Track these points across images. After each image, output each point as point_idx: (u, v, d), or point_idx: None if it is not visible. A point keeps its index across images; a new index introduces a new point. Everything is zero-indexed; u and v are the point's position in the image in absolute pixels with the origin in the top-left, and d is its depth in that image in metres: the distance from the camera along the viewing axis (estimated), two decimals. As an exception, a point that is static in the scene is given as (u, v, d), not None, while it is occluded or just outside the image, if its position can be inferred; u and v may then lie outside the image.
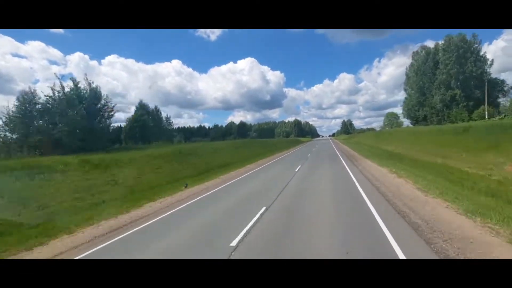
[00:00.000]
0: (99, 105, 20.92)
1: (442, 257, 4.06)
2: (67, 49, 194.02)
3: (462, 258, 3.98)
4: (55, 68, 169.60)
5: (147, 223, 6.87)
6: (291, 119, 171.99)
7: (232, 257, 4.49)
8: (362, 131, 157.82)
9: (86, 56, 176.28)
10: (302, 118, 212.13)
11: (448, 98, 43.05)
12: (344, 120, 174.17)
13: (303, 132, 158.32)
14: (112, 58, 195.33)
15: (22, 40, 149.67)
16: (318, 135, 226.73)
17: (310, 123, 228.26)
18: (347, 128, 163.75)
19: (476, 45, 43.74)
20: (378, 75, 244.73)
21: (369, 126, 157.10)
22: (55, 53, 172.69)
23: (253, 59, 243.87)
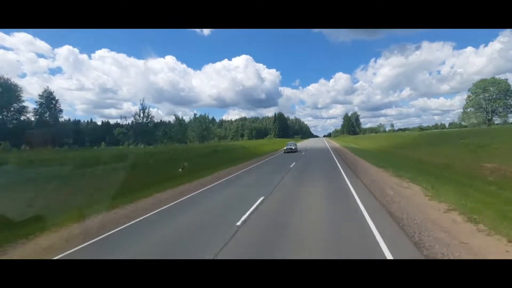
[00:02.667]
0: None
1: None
2: (55, 42, 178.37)
3: (452, 258, 3.55)
4: (43, 62, 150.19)
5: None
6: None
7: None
8: (378, 129, 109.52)
9: (76, 50, 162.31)
10: (297, 117, 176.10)
11: None
12: (347, 114, 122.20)
13: (288, 130, 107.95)
14: (102, 52, 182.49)
15: (7, 31, 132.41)
16: (312, 135, 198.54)
17: (305, 122, 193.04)
18: (351, 126, 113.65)
19: None
20: (374, 75, 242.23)
21: (365, 126, 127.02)
22: (42, 45, 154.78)
23: (248, 56, 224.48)
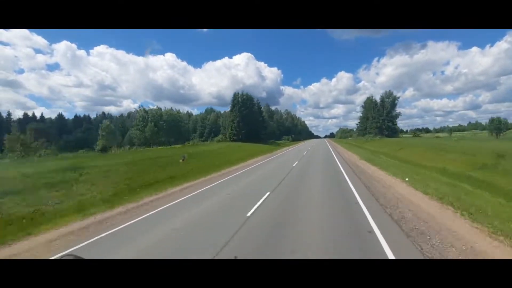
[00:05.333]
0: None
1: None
2: (52, 37, 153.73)
3: (452, 258, 3.73)
4: (40, 57, 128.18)
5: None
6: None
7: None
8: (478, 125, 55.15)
9: (73, 45, 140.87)
10: (289, 111, 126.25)
11: None
12: (370, 99, 66.76)
13: (264, 130, 57.73)
14: (101, 48, 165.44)
15: None
16: (313, 136, 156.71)
17: (303, 120, 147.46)
18: (386, 119, 60.48)
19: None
20: (377, 75, 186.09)
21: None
22: (39, 40, 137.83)
23: (249, 54, 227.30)
